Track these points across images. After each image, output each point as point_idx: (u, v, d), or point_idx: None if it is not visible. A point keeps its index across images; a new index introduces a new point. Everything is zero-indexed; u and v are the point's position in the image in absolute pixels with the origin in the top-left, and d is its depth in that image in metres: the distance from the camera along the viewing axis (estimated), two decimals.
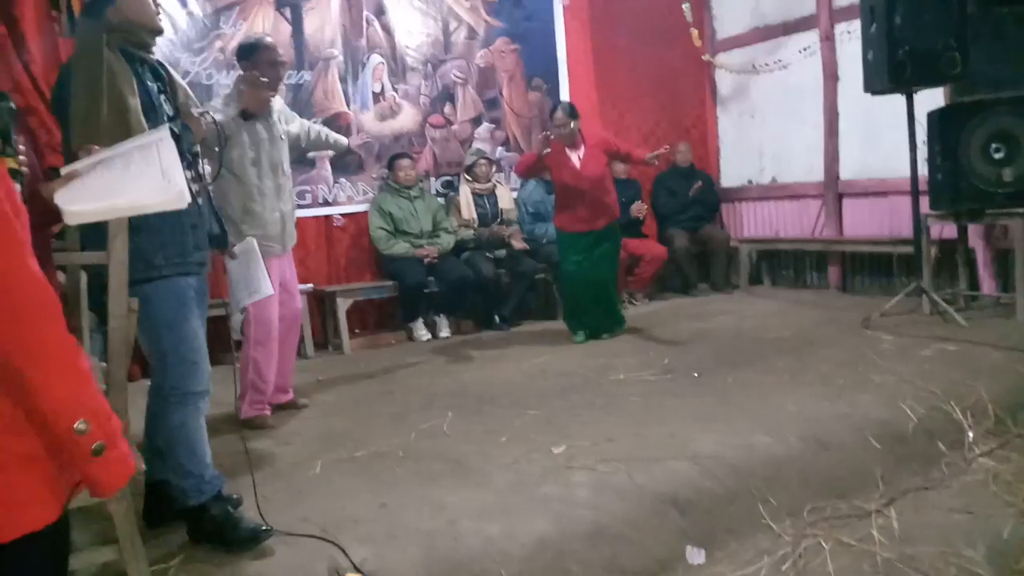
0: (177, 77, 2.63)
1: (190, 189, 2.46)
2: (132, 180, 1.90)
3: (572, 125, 4.99)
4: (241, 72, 3.71)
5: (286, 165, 3.82)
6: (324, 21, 5.81)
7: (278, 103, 3.85)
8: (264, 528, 2.44)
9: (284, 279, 3.85)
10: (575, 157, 5.04)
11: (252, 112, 3.60)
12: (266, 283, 3.23)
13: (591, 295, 5.18)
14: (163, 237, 2.37)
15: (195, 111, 2.67)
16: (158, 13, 2.50)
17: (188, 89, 2.69)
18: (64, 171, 1.85)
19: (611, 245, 5.20)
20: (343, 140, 4.39)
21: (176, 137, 2.38)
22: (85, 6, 2.37)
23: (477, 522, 2.54)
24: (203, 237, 2.52)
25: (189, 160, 2.49)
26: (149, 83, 2.43)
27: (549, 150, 4.90)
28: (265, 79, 3.56)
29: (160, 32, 2.53)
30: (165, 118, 2.44)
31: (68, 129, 2.30)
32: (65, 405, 1.20)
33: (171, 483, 2.52)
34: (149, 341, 2.44)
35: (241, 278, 2.90)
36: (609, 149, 5.13)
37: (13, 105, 1.73)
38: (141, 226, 2.25)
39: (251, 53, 3.68)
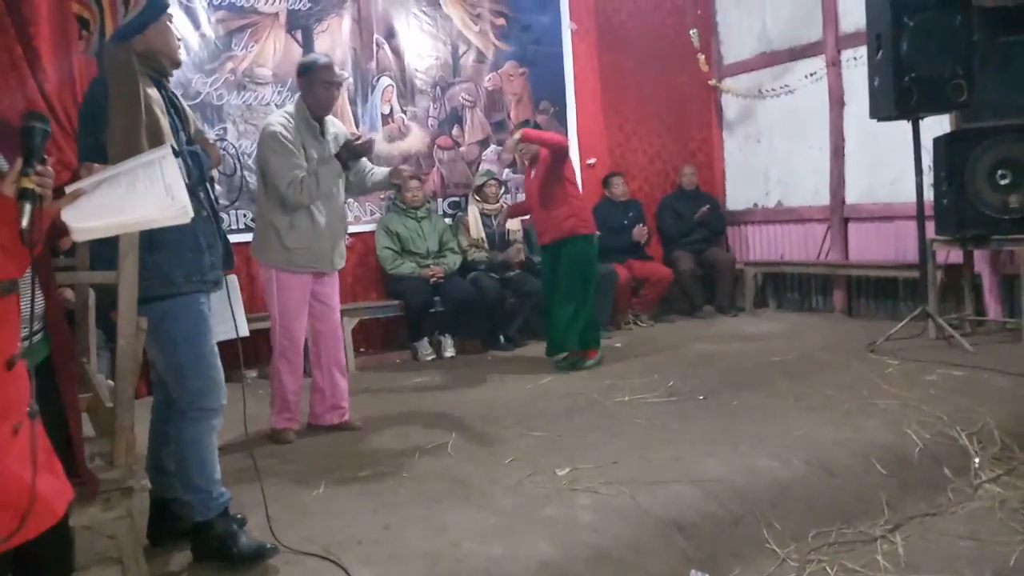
0: (186, 105, 2.69)
1: (209, 208, 2.54)
2: (137, 197, 1.93)
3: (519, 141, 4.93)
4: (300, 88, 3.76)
5: (340, 185, 3.80)
6: (335, 44, 5.87)
7: (336, 125, 3.87)
8: (269, 546, 2.45)
9: (324, 295, 3.84)
10: (532, 172, 5.14)
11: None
12: (242, 324, 3.26)
13: (545, 309, 5.25)
14: (182, 255, 2.41)
15: (211, 138, 2.74)
16: (179, 46, 2.61)
17: (194, 118, 2.77)
18: (70, 189, 1.88)
19: (567, 265, 4.97)
20: (381, 172, 4.06)
21: (196, 160, 2.47)
22: (116, 31, 2.40)
23: (480, 544, 2.53)
24: (218, 257, 2.56)
25: (206, 185, 2.55)
26: (165, 102, 2.49)
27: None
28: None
29: (179, 64, 2.62)
30: (185, 143, 2.49)
31: (89, 140, 2.35)
32: None
33: (177, 500, 2.53)
34: (166, 356, 2.46)
35: (216, 313, 2.88)
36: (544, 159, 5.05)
37: (48, 128, 1.77)
38: (160, 244, 2.32)
39: (307, 71, 3.69)
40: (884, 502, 2.97)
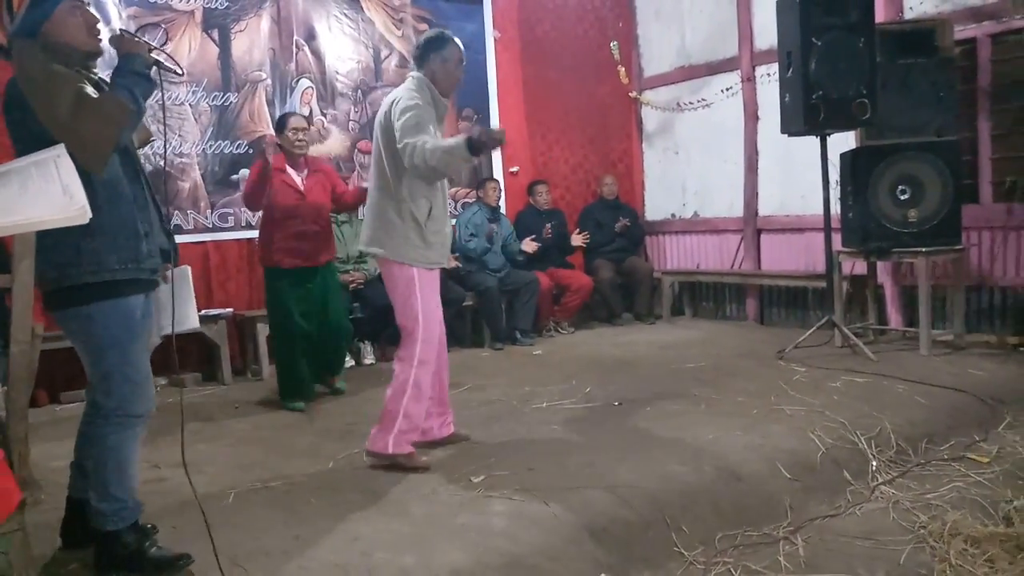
0: None
1: (149, 194, 2.43)
2: (31, 197, 1.89)
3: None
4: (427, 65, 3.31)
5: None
6: (253, 44, 5.76)
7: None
8: (180, 559, 2.40)
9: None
10: (298, 178, 4.57)
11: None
12: (193, 317, 3.03)
13: (315, 345, 4.60)
14: (118, 240, 2.31)
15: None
16: (97, 35, 2.40)
17: None
18: None
19: (336, 284, 4.80)
20: None
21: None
22: (17, 27, 2.28)
23: (392, 554, 2.51)
24: (155, 246, 2.44)
25: (135, 167, 2.44)
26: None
27: (272, 160, 4.39)
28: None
29: (98, 54, 2.42)
30: None
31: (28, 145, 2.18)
32: None
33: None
34: (93, 361, 2.38)
35: (166, 305, 2.77)
36: (332, 181, 4.74)
37: None
38: (96, 230, 2.22)
39: (439, 46, 3.29)
40: (788, 505, 3.07)
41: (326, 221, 4.64)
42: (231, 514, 2.85)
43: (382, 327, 5.68)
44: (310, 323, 4.54)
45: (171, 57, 2.48)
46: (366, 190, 3.63)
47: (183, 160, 5.47)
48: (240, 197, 4.59)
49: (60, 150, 2.00)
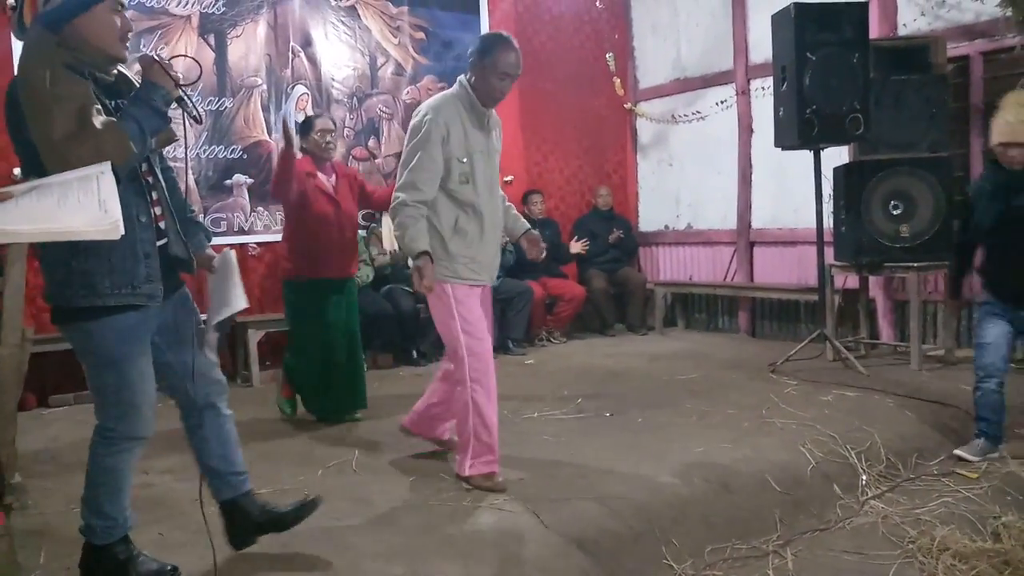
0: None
1: (147, 213, 2.29)
2: (69, 208, 1.94)
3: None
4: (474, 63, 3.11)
5: (497, 185, 3.30)
6: (249, 49, 5.77)
7: (496, 117, 3.32)
8: (168, 569, 2.38)
9: (486, 306, 3.29)
10: (329, 183, 4.29)
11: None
12: (240, 297, 2.90)
13: (338, 361, 4.25)
14: (112, 262, 2.19)
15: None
16: (126, 42, 2.27)
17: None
18: None
19: (355, 301, 4.43)
20: (517, 224, 3.49)
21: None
22: (40, 15, 2.18)
23: (381, 563, 2.51)
24: (156, 267, 2.29)
25: (149, 182, 2.33)
26: (105, 100, 2.24)
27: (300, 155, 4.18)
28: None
29: (120, 60, 2.29)
30: None
31: (27, 151, 2.12)
32: None
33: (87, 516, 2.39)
34: (91, 379, 2.32)
35: (216, 292, 2.74)
36: (359, 183, 4.49)
37: None
38: (89, 249, 2.14)
39: (487, 53, 3.07)
40: (777, 518, 3.07)
41: (356, 229, 4.42)
42: (218, 523, 2.82)
43: (375, 334, 5.66)
44: (331, 341, 4.23)
45: (193, 103, 2.29)
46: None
47: (176, 164, 5.44)
48: (269, 189, 4.27)
49: (105, 167, 2.01)
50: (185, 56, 2.77)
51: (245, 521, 2.54)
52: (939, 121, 5.06)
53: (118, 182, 2.08)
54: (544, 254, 3.49)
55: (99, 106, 2.15)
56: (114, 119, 2.13)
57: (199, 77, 2.52)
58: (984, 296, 3.71)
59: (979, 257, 3.73)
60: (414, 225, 3.03)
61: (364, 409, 4.34)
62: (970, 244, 3.76)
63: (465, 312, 3.12)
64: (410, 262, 3.08)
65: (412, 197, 3.04)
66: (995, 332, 3.59)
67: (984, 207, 3.59)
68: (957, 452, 3.67)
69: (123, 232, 1.97)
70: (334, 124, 4.46)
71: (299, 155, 4.18)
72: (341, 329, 4.25)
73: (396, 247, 5.95)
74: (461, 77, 3.17)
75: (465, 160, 3.08)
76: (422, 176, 3.03)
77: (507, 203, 3.44)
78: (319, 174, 4.25)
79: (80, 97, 2.09)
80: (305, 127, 4.34)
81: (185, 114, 2.28)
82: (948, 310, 4.22)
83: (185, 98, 2.26)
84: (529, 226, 3.48)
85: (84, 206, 1.94)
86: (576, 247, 6.88)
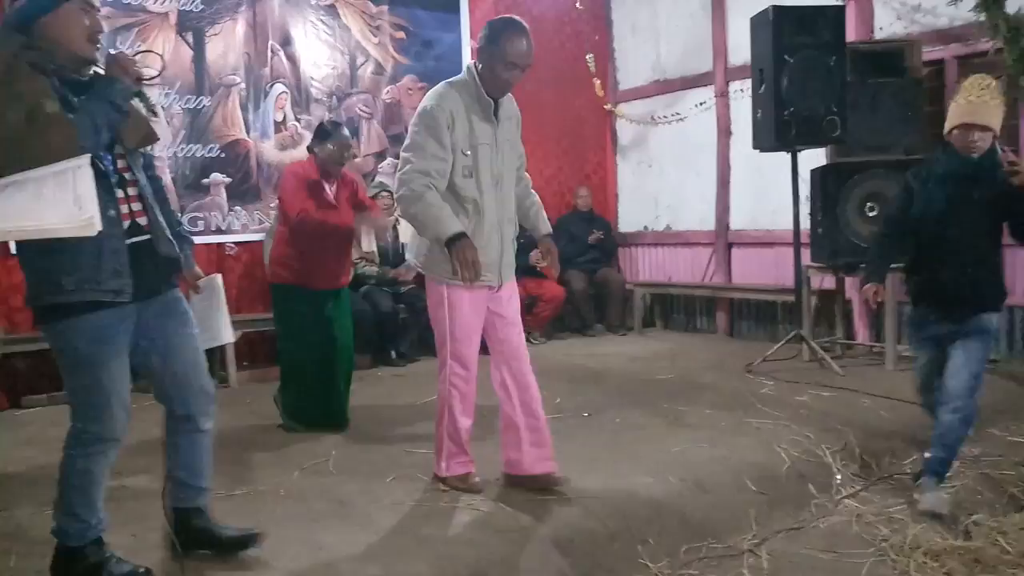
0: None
1: (115, 210, 2.25)
2: (43, 204, 1.92)
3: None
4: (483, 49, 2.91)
5: (509, 180, 3.07)
6: (228, 48, 5.73)
7: (512, 106, 3.10)
8: (142, 571, 2.36)
9: (500, 306, 3.09)
10: (331, 191, 4.09)
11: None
12: (226, 329, 2.82)
13: (331, 372, 4.11)
14: (76, 258, 2.16)
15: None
16: (96, 43, 2.25)
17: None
18: None
19: (348, 309, 4.29)
20: (540, 224, 3.28)
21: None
22: (8, 15, 2.20)
23: (357, 564, 2.50)
24: (124, 263, 2.25)
25: (125, 178, 2.32)
26: (70, 97, 2.20)
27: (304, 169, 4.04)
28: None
29: (90, 61, 2.26)
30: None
31: None
32: None
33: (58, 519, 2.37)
34: (64, 380, 2.32)
35: (203, 320, 2.68)
36: (356, 191, 4.24)
37: None
38: (54, 247, 2.11)
39: (494, 41, 2.86)
40: (753, 518, 3.08)
41: (351, 239, 4.25)
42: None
43: (353, 334, 5.62)
44: (327, 353, 4.09)
45: (151, 104, 2.34)
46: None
47: (153, 164, 5.40)
48: (293, 212, 3.91)
49: (83, 161, 1.99)
50: (149, 51, 2.76)
51: (187, 533, 2.52)
52: (914, 124, 5.12)
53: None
54: (558, 272, 3.39)
55: (57, 101, 2.11)
56: (63, 112, 2.11)
57: (161, 71, 2.52)
58: (913, 308, 3.35)
59: (909, 257, 3.30)
60: (435, 204, 2.80)
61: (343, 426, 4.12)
62: (899, 233, 3.29)
63: (457, 316, 2.98)
64: (410, 259, 2.88)
65: (419, 180, 2.81)
66: (927, 347, 3.29)
67: (932, 192, 3.14)
68: (923, 509, 3.10)
69: (99, 228, 1.94)
70: (353, 141, 4.29)
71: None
72: (335, 338, 4.11)
73: (374, 247, 5.94)
74: (469, 63, 2.98)
75: (469, 153, 2.89)
76: (432, 163, 2.83)
77: (532, 200, 3.24)
78: (324, 184, 4.06)
79: (36, 94, 2.07)
80: (323, 135, 4.05)
81: (144, 106, 2.31)
82: (865, 293, 3.24)
83: (143, 93, 2.27)
84: (548, 232, 3.26)
85: (58, 202, 1.92)
86: (535, 257, 6.75)
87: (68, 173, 1.96)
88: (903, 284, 3.40)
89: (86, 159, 2.01)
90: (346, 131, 4.14)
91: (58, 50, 2.19)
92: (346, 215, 4.11)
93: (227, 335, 2.68)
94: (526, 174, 3.27)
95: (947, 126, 3.12)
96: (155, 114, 2.40)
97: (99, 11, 2.31)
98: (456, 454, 3.11)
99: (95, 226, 1.92)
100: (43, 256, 2.15)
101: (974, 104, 3.02)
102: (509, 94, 3.03)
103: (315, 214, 3.93)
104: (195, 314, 2.55)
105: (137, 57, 2.33)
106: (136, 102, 2.29)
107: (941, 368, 3.20)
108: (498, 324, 3.08)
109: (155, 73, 2.48)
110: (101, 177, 2.22)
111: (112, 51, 2.37)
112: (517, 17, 3.00)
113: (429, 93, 2.95)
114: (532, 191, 3.27)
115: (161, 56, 2.69)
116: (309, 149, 4.13)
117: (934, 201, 3.14)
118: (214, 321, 2.57)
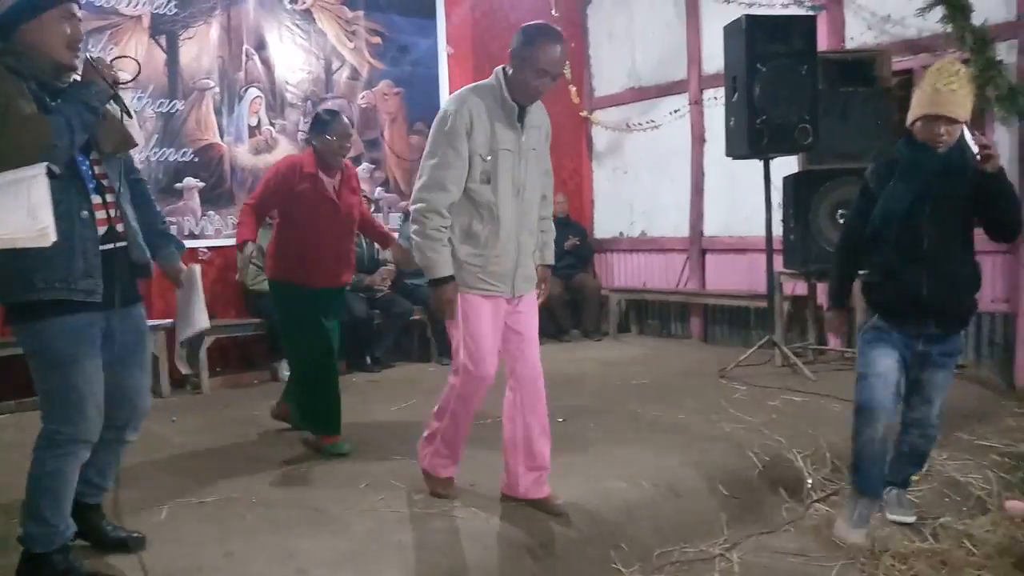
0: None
1: (89, 210, 2.30)
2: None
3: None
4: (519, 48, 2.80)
5: (532, 189, 2.94)
6: (201, 51, 5.69)
7: (541, 114, 2.98)
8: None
9: (516, 320, 2.95)
10: (330, 185, 3.83)
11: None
12: (202, 315, 2.81)
13: (326, 375, 3.86)
14: (48, 257, 2.18)
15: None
16: (76, 50, 2.30)
17: None
18: None
19: (343, 311, 4.13)
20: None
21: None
22: (8, 7, 2.24)
23: (329, 571, 2.49)
24: (96, 265, 2.29)
25: (104, 184, 2.36)
26: (47, 101, 2.25)
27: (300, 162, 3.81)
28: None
29: (69, 68, 2.31)
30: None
31: None
32: None
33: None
34: (36, 381, 2.33)
35: (182, 310, 2.72)
36: (358, 188, 4.04)
37: None
38: (27, 247, 2.12)
39: (527, 45, 2.76)
40: (724, 522, 3.11)
41: (353, 234, 3.98)
42: (164, 530, 2.78)
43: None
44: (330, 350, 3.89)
45: (126, 105, 2.38)
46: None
47: (134, 167, 5.35)
48: (249, 198, 3.76)
49: (39, 170, 2.00)
50: (125, 57, 2.80)
51: (82, 526, 2.53)
52: (884, 132, 5.20)
53: (54, 176, 2.12)
54: (542, 300, 3.17)
55: (33, 103, 2.16)
56: (37, 112, 2.15)
57: (136, 75, 2.55)
58: (873, 319, 2.99)
59: (869, 262, 3.02)
60: (440, 244, 2.76)
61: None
62: (860, 240, 2.98)
63: (471, 326, 2.84)
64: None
65: (439, 201, 2.75)
66: (885, 363, 2.88)
67: (895, 191, 2.83)
68: (835, 532, 2.98)
69: (54, 239, 1.97)
70: (352, 127, 4.05)
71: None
72: (335, 337, 3.97)
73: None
74: (499, 68, 2.86)
75: (489, 158, 2.78)
76: (449, 174, 2.75)
77: (545, 226, 3.14)
78: (323, 176, 3.79)
79: (9, 94, 2.12)
80: (321, 126, 3.78)
81: (120, 109, 2.34)
82: (831, 326, 3.18)
83: (119, 95, 2.31)
84: (549, 263, 3.18)
85: (12, 211, 1.93)
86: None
87: (23, 183, 1.97)
88: (862, 293, 3.06)
89: (42, 168, 2.03)
90: (345, 119, 3.86)
91: (38, 56, 2.24)
92: (347, 210, 3.86)
93: (203, 322, 2.70)
94: (551, 193, 3.16)
95: (911, 115, 2.81)
96: (130, 116, 2.41)
97: (80, 20, 2.36)
98: (443, 456, 3.05)
99: (49, 237, 1.95)
100: (15, 254, 2.15)
101: (942, 93, 2.69)
102: (540, 103, 2.94)
103: (246, 209, 3.80)
104: (178, 306, 2.64)
105: (113, 62, 2.38)
106: (112, 105, 2.32)
107: (900, 383, 2.93)
108: (514, 341, 2.96)
109: (130, 77, 2.49)
110: (76, 178, 2.28)
111: (89, 55, 2.38)
112: (552, 24, 2.94)
113: (451, 96, 2.91)
114: (549, 218, 3.17)
115: (137, 61, 2.69)
116: (307, 142, 3.90)
117: (898, 200, 2.83)
118: (193, 308, 2.60)
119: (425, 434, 3.10)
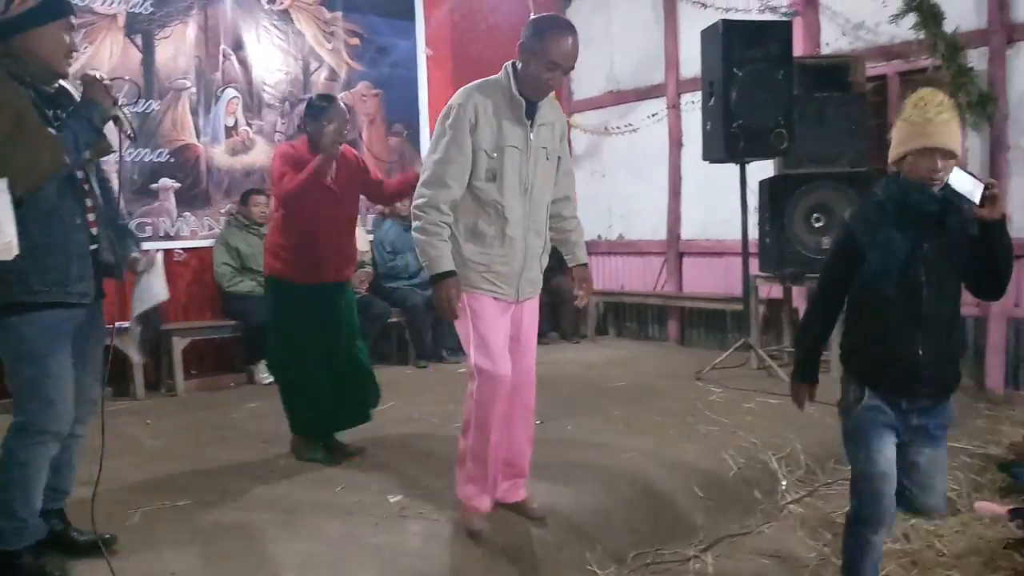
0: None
1: (81, 215, 2.42)
2: None
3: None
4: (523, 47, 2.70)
5: (542, 189, 2.83)
6: (178, 51, 5.64)
7: (555, 113, 2.87)
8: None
9: (516, 333, 2.92)
10: (329, 174, 3.56)
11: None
12: (162, 288, 2.77)
13: (340, 376, 3.69)
14: (47, 262, 2.31)
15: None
16: (71, 59, 2.41)
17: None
18: None
19: (353, 303, 3.84)
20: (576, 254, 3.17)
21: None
22: (13, 13, 2.29)
23: (302, 574, 2.47)
24: (88, 268, 2.43)
25: (86, 190, 2.45)
26: (44, 109, 2.35)
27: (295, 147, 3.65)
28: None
29: (62, 76, 2.42)
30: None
31: None
32: None
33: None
34: (11, 372, 2.38)
35: (139, 285, 2.73)
36: (362, 169, 3.79)
37: None
38: (24, 249, 2.19)
39: (538, 37, 2.65)
40: (699, 523, 3.13)
41: (355, 225, 3.82)
42: (136, 533, 2.76)
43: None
44: (334, 349, 3.69)
45: (129, 121, 2.47)
46: (416, 177, 2.90)
47: (102, 168, 5.30)
48: (279, 192, 3.56)
49: (1, 186, 2.04)
50: (126, 79, 2.87)
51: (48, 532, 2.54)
52: (859, 137, 5.26)
53: (48, 183, 2.25)
54: (584, 303, 3.10)
55: (37, 114, 2.26)
56: (51, 129, 2.27)
57: (138, 98, 2.66)
58: (864, 396, 2.36)
59: (851, 323, 2.47)
60: (438, 239, 2.68)
61: (367, 422, 3.83)
62: (841, 297, 2.45)
63: (481, 327, 2.74)
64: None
65: (440, 197, 2.67)
66: (887, 456, 2.32)
67: (889, 241, 2.27)
68: None
69: (17, 252, 2.03)
70: (348, 113, 3.86)
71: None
72: (342, 333, 3.70)
73: None
74: (508, 63, 2.76)
75: (495, 155, 2.68)
76: (451, 169, 2.66)
77: (574, 223, 3.08)
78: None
79: (18, 105, 2.20)
80: (316, 112, 3.59)
81: (120, 132, 2.45)
82: (795, 399, 2.66)
83: (122, 117, 2.42)
84: (583, 262, 3.10)
85: None
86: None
87: None
88: (841, 361, 2.51)
89: (4, 183, 2.08)
90: (340, 104, 3.67)
91: (36, 63, 2.33)
92: (348, 200, 3.70)
93: (162, 294, 2.74)
94: (574, 194, 3.08)
95: (898, 151, 2.30)
96: (133, 139, 2.52)
97: (76, 29, 2.46)
98: (476, 480, 2.83)
99: (12, 250, 2.00)
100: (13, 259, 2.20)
101: (934, 124, 2.22)
102: (554, 100, 2.85)
103: (296, 178, 3.48)
104: (136, 284, 2.72)
105: (117, 82, 2.52)
106: (111, 125, 2.43)
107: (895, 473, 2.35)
108: (510, 347, 2.86)
109: (134, 99, 2.60)
110: (72, 186, 2.41)
111: (90, 72, 2.44)
112: (564, 17, 2.85)
113: (458, 92, 2.76)
114: (576, 218, 3.10)
115: (137, 85, 2.80)
116: (301, 129, 3.73)
117: (895, 252, 2.27)
118: (152, 281, 2.65)
119: (458, 460, 2.89)
